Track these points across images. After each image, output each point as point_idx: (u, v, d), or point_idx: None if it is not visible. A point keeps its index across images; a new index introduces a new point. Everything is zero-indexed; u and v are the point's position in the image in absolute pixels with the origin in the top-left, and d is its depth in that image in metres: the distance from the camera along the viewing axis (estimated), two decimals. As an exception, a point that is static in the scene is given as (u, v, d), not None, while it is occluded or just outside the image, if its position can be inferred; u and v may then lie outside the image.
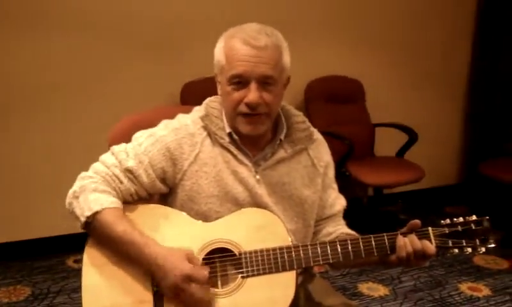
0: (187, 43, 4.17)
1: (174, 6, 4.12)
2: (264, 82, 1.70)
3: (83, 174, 1.77)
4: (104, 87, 4.02)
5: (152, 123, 1.86)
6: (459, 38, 5.27)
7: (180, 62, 4.18)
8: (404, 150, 4.62)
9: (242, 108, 1.72)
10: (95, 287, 1.68)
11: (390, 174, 4.36)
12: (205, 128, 1.81)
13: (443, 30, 5.13)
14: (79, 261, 3.87)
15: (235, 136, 1.80)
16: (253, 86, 1.69)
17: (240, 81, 1.70)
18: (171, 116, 1.88)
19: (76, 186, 1.73)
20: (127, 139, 1.83)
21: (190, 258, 1.63)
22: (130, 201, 1.78)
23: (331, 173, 1.96)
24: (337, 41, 4.73)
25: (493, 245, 1.72)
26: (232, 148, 1.79)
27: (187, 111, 1.90)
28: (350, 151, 4.17)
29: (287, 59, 1.76)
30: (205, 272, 1.62)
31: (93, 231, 1.71)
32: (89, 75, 3.97)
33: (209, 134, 1.81)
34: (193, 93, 3.98)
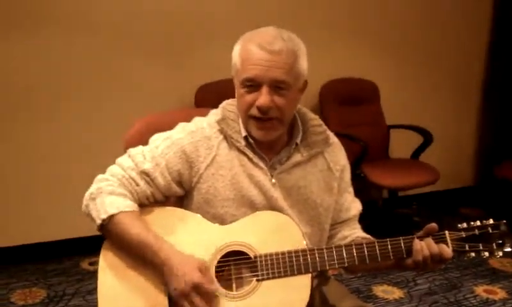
0: (201, 45, 4.18)
1: (188, 8, 4.12)
2: (276, 86, 1.69)
3: (100, 176, 1.78)
4: (118, 90, 4.03)
5: (167, 126, 1.87)
6: (474, 40, 5.24)
7: (194, 65, 4.18)
8: (419, 152, 4.59)
9: (254, 111, 1.72)
10: (111, 289, 1.69)
11: (405, 176, 4.34)
12: (221, 131, 1.81)
13: (459, 32, 5.10)
14: (94, 263, 3.90)
15: (250, 140, 1.79)
16: (264, 89, 1.69)
17: (252, 84, 1.70)
18: (186, 119, 1.88)
19: (93, 188, 1.75)
20: (143, 142, 1.84)
21: (202, 269, 1.63)
22: (146, 204, 1.78)
23: (348, 176, 1.95)
24: (351, 42, 4.72)
25: (510, 250, 1.70)
26: (248, 152, 1.79)
27: (202, 114, 1.90)
28: (364, 153, 4.15)
29: (303, 64, 1.75)
30: (214, 286, 1.63)
31: (108, 234, 1.72)
32: (103, 78, 3.99)
33: (225, 137, 1.81)
34: (207, 96, 3.99)
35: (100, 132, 3.98)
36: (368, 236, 1.90)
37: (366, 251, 1.70)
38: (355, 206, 1.95)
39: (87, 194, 1.75)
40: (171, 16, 4.08)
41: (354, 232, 1.92)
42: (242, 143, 1.79)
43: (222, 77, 3.94)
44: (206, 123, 1.83)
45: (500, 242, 1.69)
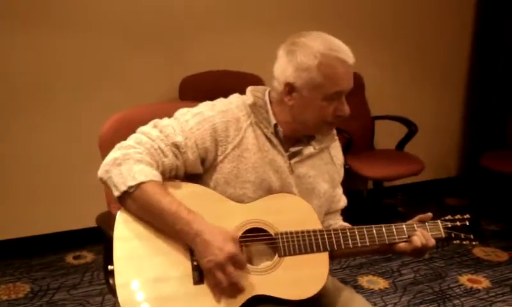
0: (185, 37, 4.15)
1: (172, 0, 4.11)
2: None
3: (124, 143, 1.74)
4: (103, 83, 4.00)
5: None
6: (458, 32, 5.26)
7: (178, 57, 4.16)
8: (403, 143, 4.61)
9: (333, 119, 1.85)
10: (130, 256, 1.66)
11: (390, 167, 4.36)
12: (249, 115, 1.86)
13: (443, 23, 5.12)
14: (78, 257, 3.88)
15: (280, 128, 1.87)
16: (344, 99, 1.86)
17: (338, 96, 1.84)
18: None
19: (118, 153, 1.70)
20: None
21: (235, 240, 1.67)
22: (166, 177, 1.77)
23: (342, 172, 2.10)
24: (335, 33, 4.69)
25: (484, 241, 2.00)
26: (273, 139, 1.86)
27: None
28: (349, 145, 4.16)
29: None
30: (244, 258, 1.69)
31: (131, 202, 1.69)
32: (88, 71, 3.95)
33: (253, 121, 1.86)
34: (192, 88, 3.97)
35: (81, 126, 3.94)
36: (348, 225, 2.02)
37: (375, 232, 1.87)
38: (343, 200, 2.11)
39: (109, 159, 1.70)
40: (155, 8, 4.05)
41: (338, 222, 2.08)
42: (269, 130, 1.86)
43: (206, 69, 3.94)
44: (234, 105, 1.86)
45: (477, 233, 1.96)
